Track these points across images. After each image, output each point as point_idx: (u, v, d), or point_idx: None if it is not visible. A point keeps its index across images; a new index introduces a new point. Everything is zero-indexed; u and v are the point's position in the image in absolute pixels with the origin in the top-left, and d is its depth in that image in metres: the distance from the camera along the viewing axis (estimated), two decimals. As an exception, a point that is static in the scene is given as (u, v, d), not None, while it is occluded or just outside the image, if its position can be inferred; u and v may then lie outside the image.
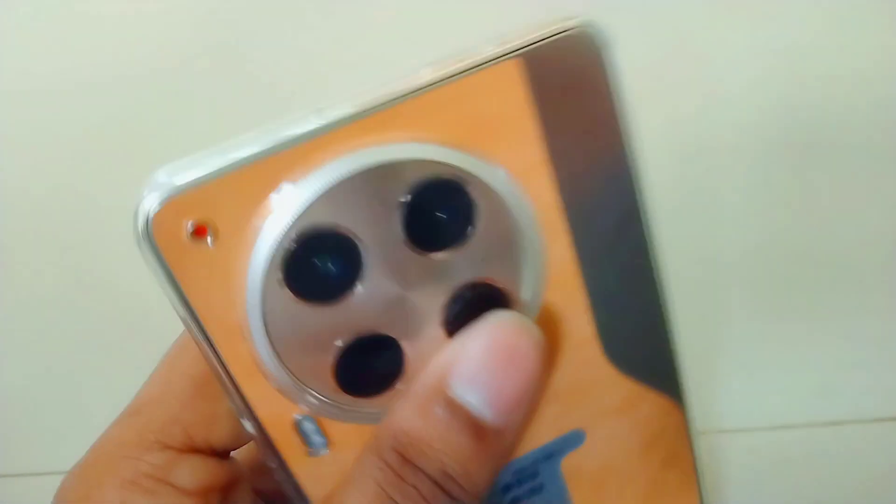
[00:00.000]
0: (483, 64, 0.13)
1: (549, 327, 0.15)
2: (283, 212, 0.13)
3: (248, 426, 0.14)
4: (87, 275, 0.36)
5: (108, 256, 0.35)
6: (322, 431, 0.14)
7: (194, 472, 0.16)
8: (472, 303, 0.14)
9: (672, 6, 0.35)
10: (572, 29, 0.13)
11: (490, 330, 0.14)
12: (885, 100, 0.31)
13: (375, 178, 0.13)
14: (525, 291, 0.15)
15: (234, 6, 0.38)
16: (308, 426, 0.14)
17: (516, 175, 0.14)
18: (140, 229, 0.12)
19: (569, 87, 0.14)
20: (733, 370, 0.30)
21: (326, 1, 0.36)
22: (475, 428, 0.13)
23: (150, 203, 0.12)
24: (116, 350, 0.33)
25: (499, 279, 0.14)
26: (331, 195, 0.13)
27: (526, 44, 0.13)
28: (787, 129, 0.32)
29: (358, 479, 0.13)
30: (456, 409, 0.13)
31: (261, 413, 0.14)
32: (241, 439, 0.17)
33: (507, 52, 0.13)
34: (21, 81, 0.38)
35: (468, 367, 0.13)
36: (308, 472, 0.15)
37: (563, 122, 0.14)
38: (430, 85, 0.13)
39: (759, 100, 0.33)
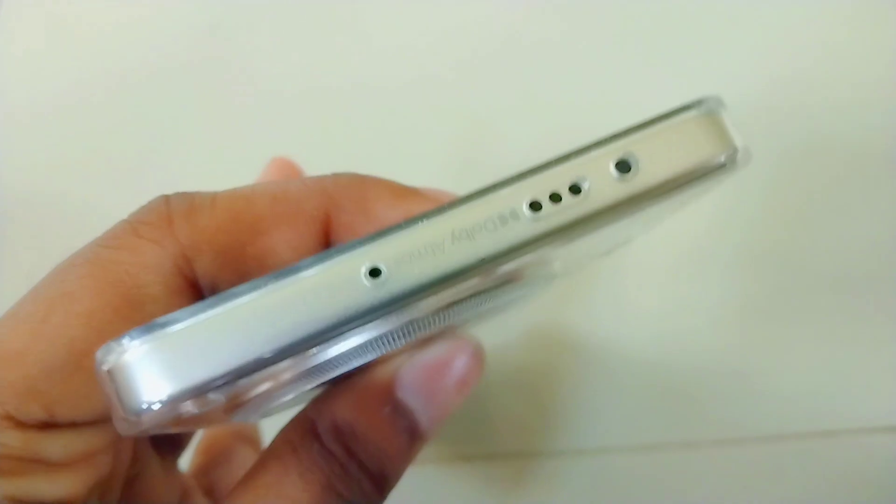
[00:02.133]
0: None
1: None
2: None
3: None
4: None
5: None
6: None
7: (65, 445, 0.13)
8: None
9: (668, 10, 0.35)
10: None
11: (443, 347, 0.15)
12: (883, 105, 0.31)
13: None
14: None
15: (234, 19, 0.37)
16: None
17: None
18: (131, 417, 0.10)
19: None
20: (724, 379, 0.29)
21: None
22: (412, 431, 0.14)
23: (147, 396, 0.10)
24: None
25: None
26: None
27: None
28: (784, 135, 0.32)
29: (298, 465, 0.13)
30: (401, 411, 0.14)
31: None
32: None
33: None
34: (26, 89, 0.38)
35: (417, 375, 0.14)
36: None
37: None
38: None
39: (755, 106, 0.32)
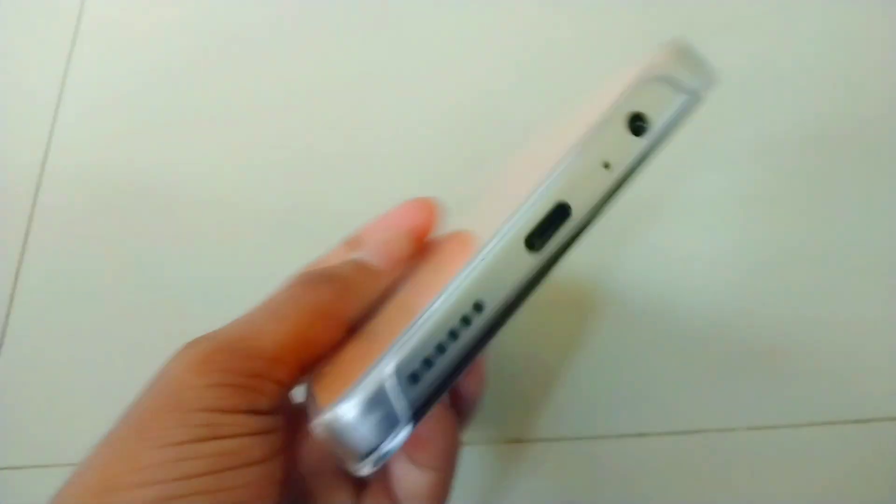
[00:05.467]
0: None
1: None
2: None
3: None
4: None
5: (142, 250, 0.35)
6: None
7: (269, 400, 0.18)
8: None
9: (683, 6, 0.35)
10: None
11: (397, 208, 0.21)
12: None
13: None
14: None
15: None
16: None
17: None
18: None
19: None
20: (756, 365, 0.29)
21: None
22: (364, 266, 0.20)
23: None
24: (127, 344, 0.33)
25: None
26: None
27: None
28: (805, 127, 0.32)
29: (281, 289, 0.19)
30: (354, 247, 0.21)
31: None
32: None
33: None
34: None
35: (370, 227, 0.21)
36: None
37: None
38: None
39: (778, 99, 0.33)
